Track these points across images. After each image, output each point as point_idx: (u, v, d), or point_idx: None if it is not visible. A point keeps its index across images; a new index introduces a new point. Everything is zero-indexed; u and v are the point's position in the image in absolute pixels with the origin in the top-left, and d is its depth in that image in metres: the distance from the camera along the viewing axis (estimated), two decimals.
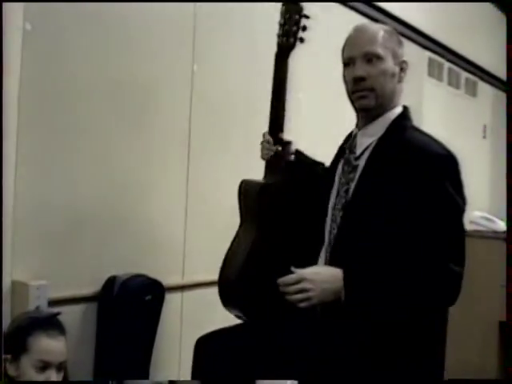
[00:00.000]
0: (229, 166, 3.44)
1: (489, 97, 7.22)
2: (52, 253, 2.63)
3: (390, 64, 2.11)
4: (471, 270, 4.31)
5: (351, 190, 2.11)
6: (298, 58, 3.60)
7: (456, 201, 1.98)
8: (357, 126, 2.23)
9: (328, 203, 2.20)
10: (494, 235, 4.79)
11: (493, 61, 6.79)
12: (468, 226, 5.56)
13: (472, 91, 6.78)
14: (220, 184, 3.38)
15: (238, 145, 3.50)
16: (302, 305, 1.96)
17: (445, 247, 1.95)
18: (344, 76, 2.19)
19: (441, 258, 1.94)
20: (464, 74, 6.55)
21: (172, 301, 3.10)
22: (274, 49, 3.63)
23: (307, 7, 2.41)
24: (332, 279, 1.96)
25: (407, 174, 1.98)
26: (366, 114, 2.16)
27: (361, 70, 2.09)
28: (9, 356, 2.10)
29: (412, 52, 5.46)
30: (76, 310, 2.75)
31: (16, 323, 2.19)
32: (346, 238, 2.09)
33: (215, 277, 3.29)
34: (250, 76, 3.55)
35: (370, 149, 2.12)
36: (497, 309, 4.12)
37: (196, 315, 3.24)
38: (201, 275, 3.25)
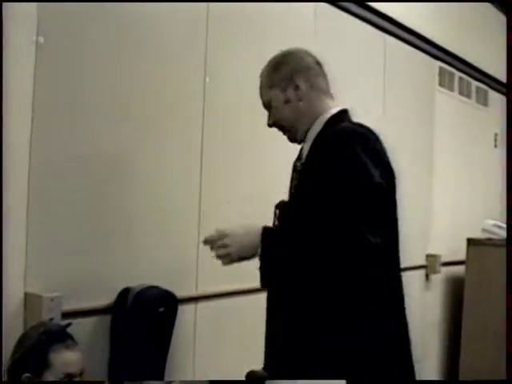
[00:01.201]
0: (242, 177, 3.45)
1: (500, 106, 7.19)
2: (65, 265, 2.63)
3: (280, 98, 2.26)
4: (484, 277, 4.30)
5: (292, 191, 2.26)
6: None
7: (361, 161, 2.00)
8: None
9: None
10: (505, 243, 4.77)
11: (503, 69, 6.77)
12: (481, 235, 5.58)
13: (483, 100, 6.77)
14: (234, 194, 3.39)
15: (252, 156, 3.51)
16: (224, 262, 2.11)
17: (352, 213, 1.96)
18: None
19: (345, 222, 1.95)
20: (475, 83, 6.54)
21: (185, 312, 3.09)
22: None
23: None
24: (252, 236, 2.06)
25: (324, 156, 2.07)
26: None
27: (269, 119, 2.32)
28: (28, 375, 2.09)
29: (423, 62, 5.46)
30: (89, 322, 2.74)
31: (32, 341, 2.17)
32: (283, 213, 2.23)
33: (229, 288, 3.29)
34: None
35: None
36: None
37: (210, 327, 3.24)
38: (214, 286, 3.26)
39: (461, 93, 6.24)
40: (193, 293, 3.21)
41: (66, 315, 2.54)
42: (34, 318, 2.44)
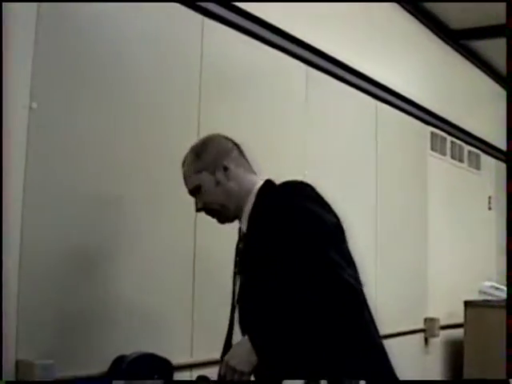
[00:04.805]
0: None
1: (492, 169, 7.27)
2: (58, 332, 2.61)
3: (211, 181, 2.35)
4: (483, 339, 4.28)
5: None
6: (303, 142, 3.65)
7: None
8: None
9: None
10: (503, 304, 4.76)
11: (494, 133, 6.85)
12: (478, 296, 5.57)
13: (475, 164, 6.83)
14: (229, 255, 3.39)
15: None
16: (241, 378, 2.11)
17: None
18: None
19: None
20: (467, 148, 6.61)
21: (181, 380, 3.05)
22: (279, 120, 3.68)
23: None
24: (243, 344, 2.12)
25: (265, 226, 2.21)
26: None
27: (197, 204, 2.40)
28: None
29: (414, 127, 5.53)
30: None
31: None
32: (245, 295, 2.30)
33: None
34: (254, 148, 3.58)
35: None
36: None
37: None
38: (210, 353, 3.22)
39: (453, 157, 6.31)
40: (188, 360, 3.18)
41: (59, 383, 2.51)
42: None
